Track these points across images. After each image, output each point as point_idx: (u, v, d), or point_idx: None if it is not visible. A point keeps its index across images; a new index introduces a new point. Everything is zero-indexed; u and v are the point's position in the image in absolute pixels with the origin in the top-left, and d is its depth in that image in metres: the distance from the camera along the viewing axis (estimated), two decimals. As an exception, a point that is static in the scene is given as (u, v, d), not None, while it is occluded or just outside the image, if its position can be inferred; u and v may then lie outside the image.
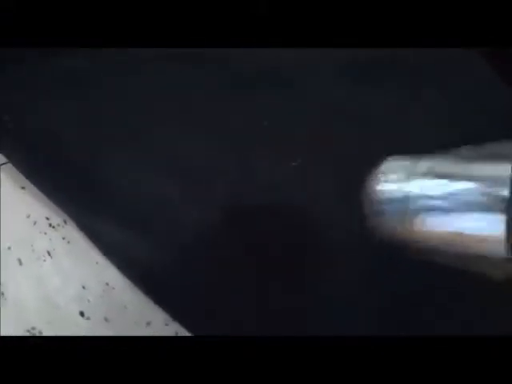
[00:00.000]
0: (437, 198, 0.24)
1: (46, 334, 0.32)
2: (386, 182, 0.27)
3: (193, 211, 0.33)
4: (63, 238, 0.35)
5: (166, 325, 0.33)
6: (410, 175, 0.26)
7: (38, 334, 0.32)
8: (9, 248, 0.34)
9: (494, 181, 0.22)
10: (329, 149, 0.33)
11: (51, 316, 0.33)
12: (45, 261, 0.34)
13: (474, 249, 0.23)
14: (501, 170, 0.22)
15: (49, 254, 0.34)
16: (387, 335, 0.25)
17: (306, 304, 0.32)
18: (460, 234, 0.23)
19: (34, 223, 0.35)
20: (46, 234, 0.35)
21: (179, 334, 0.33)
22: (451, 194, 0.24)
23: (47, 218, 0.35)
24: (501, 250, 0.22)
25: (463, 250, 0.24)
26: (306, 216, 0.32)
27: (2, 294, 0.33)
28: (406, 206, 0.25)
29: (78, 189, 0.34)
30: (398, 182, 0.27)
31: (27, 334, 0.32)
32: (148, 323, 0.33)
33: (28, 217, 0.35)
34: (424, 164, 0.26)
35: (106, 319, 0.33)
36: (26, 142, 0.35)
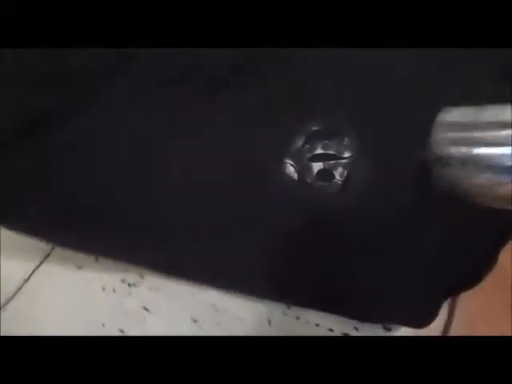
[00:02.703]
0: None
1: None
2: (448, 131, 0.28)
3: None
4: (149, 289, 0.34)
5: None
6: (474, 124, 0.26)
7: None
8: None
9: None
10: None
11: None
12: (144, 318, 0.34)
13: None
14: None
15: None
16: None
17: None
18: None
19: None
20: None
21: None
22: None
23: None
24: None
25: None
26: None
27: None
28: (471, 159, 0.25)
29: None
30: (462, 131, 0.27)
31: None
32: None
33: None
34: (488, 112, 0.26)
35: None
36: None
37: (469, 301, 0.76)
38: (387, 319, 0.36)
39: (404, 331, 0.37)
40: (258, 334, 0.34)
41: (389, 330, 0.36)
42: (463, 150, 0.26)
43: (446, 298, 0.41)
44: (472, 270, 0.39)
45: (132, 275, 0.34)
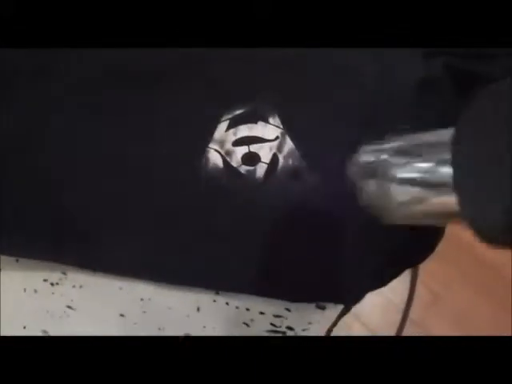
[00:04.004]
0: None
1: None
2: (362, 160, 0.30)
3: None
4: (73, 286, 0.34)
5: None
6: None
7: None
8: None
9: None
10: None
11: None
12: (68, 316, 0.33)
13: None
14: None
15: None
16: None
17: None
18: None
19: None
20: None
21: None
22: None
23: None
24: None
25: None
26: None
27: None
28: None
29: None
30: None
31: None
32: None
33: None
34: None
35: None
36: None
37: (429, 275, 0.77)
38: (320, 298, 0.36)
39: (339, 307, 0.37)
40: (186, 322, 0.34)
41: (323, 308, 0.36)
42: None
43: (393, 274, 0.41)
44: (419, 245, 0.39)
45: (55, 274, 0.34)
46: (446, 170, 0.23)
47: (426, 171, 0.25)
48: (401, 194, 0.26)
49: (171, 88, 0.34)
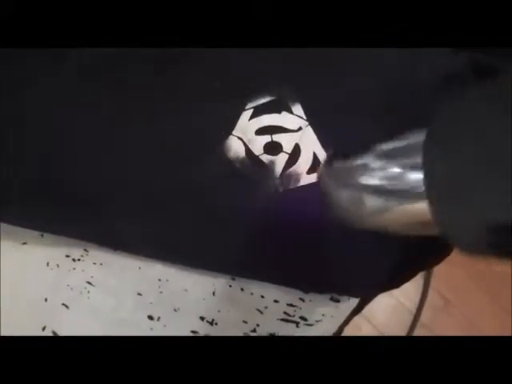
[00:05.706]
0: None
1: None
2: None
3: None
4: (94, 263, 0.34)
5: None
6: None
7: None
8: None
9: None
10: None
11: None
12: (88, 291, 0.34)
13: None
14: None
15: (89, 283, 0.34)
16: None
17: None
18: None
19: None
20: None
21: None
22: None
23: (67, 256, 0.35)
24: None
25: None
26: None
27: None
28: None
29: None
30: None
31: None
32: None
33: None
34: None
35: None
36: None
37: (441, 280, 0.77)
38: (334, 290, 0.37)
39: (353, 302, 0.38)
40: (202, 306, 0.34)
41: (337, 301, 0.37)
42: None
43: (404, 272, 0.41)
44: (435, 247, 0.39)
45: (77, 250, 0.34)
46: (416, 176, 0.21)
47: (393, 177, 0.24)
48: (370, 201, 0.25)
49: (190, 73, 0.35)
